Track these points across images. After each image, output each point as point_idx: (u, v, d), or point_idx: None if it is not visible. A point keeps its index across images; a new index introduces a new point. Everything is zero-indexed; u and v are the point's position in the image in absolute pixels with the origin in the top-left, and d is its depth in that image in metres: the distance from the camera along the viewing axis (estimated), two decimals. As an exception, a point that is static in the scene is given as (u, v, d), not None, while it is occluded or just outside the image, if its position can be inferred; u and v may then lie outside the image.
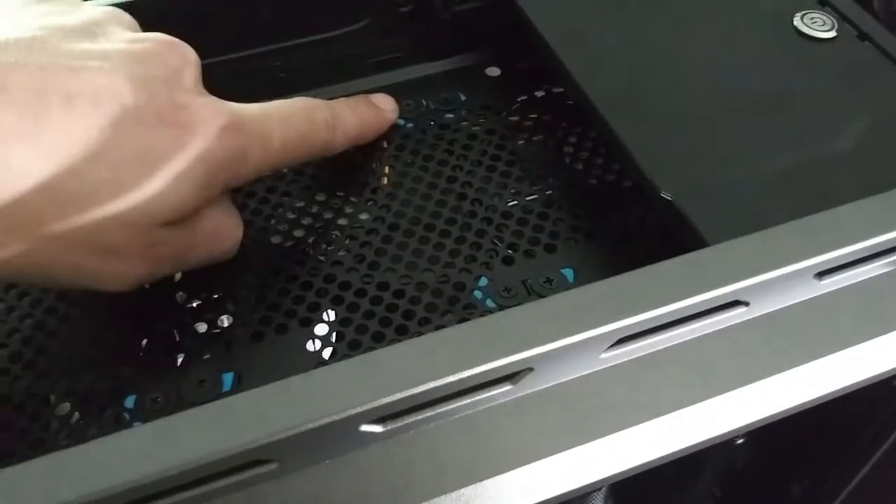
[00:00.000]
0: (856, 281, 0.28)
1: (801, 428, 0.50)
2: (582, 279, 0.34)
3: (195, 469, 0.22)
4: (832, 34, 0.36)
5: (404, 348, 0.24)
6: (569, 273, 0.34)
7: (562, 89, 0.42)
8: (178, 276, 0.35)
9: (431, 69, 0.42)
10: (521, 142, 0.39)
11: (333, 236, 0.36)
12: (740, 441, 0.54)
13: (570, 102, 0.41)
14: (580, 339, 0.24)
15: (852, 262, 0.27)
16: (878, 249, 0.27)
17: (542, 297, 0.33)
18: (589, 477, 0.25)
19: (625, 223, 0.36)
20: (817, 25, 0.37)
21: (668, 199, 0.31)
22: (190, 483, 0.23)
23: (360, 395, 0.23)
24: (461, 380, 0.24)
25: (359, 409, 0.23)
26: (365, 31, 0.42)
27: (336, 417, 0.23)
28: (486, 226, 0.36)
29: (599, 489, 0.60)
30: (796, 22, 0.37)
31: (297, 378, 0.23)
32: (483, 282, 0.34)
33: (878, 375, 0.28)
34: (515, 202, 0.37)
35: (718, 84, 0.35)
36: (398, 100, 0.40)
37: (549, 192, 0.37)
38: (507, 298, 0.33)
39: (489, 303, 0.33)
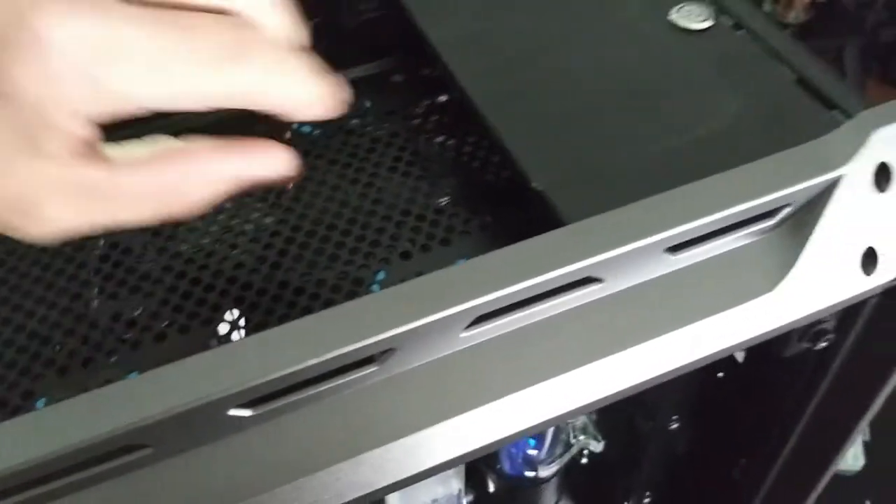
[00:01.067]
0: (710, 255, 0.30)
1: (728, 411, 0.52)
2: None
3: (71, 454, 0.24)
4: (708, 24, 0.38)
5: (270, 335, 0.26)
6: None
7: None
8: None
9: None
10: (422, 143, 0.41)
11: (238, 241, 0.37)
12: (674, 427, 0.55)
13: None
14: (438, 318, 0.26)
15: (704, 236, 0.29)
16: (728, 223, 0.29)
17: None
18: (450, 453, 0.27)
19: (516, 215, 0.38)
20: (693, 17, 0.38)
21: (539, 189, 0.32)
22: (69, 468, 0.25)
23: (224, 379, 0.25)
24: (322, 362, 0.25)
25: (222, 394, 0.25)
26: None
27: (200, 402, 0.24)
28: (385, 223, 0.38)
29: (547, 480, 0.61)
30: (672, 15, 0.38)
31: (169, 367, 0.25)
32: (381, 276, 0.36)
33: (731, 348, 0.29)
34: (415, 200, 0.38)
35: (595, 79, 0.36)
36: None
37: (448, 189, 0.39)
38: (402, 291, 0.35)
39: (385, 296, 0.35)
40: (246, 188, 0.28)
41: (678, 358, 0.29)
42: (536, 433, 0.28)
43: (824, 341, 0.37)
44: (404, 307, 0.26)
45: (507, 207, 0.38)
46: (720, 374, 0.49)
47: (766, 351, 0.38)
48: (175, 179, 0.27)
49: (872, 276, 0.31)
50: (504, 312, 0.27)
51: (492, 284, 0.26)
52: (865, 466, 0.89)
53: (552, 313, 0.28)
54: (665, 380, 0.29)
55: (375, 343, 0.25)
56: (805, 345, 0.37)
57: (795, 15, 1.86)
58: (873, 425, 0.91)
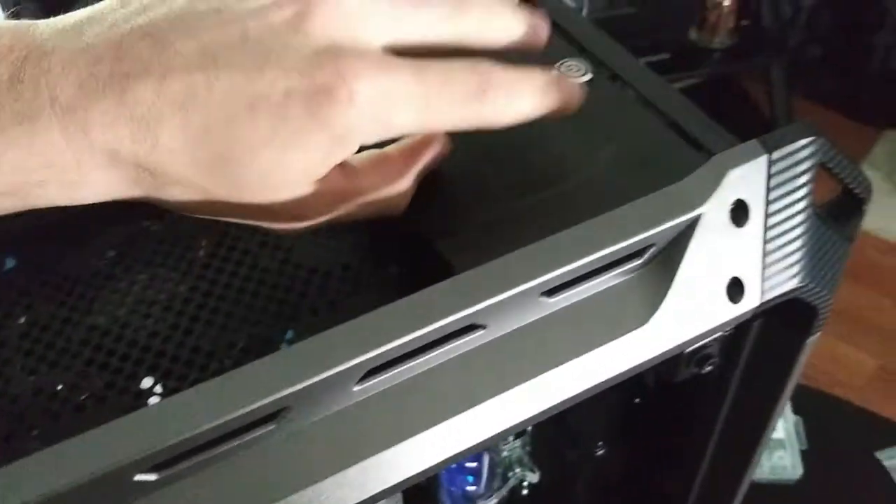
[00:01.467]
0: (585, 296, 0.32)
1: (648, 434, 0.54)
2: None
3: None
4: (587, 77, 0.41)
5: (169, 403, 0.27)
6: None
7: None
8: None
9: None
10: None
11: (152, 310, 0.39)
12: (601, 453, 0.58)
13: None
14: (328, 375, 0.28)
15: (576, 279, 0.31)
16: (598, 266, 0.31)
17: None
18: (351, 499, 0.29)
19: (419, 267, 0.40)
20: (573, 71, 0.41)
21: (437, 248, 0.34)
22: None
23: (129, 446, 0.26)
24: (220, 425, 0.27)
25: (128, 460, 0.26)
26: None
27: (107, 469, 0.26)
28: (294, 281, 0.39)
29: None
30: (553, 73, 0.41)
31: (68, 442, 0.26)
32: (290, 335, 0.37)
33: (608, 381, 0.31)
34: (322, 257, 0.40)
35: (480, 137, 0.39)
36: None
37: (354, 245, 0.41)
38: (310, 347, 0.36)
39: (294, 353, 0.37)
40: None
41: (559, 394, 0.31)
42: (432, 474, 0.29)
43: (709, 365, 0.39)
44: (296, 367, 0.28)
45: (411, 260, 0.40)
46: (637, 400, 0.52)
47: (664, 377, 0.40)
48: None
49: (739, 303, 0.33)
50: (393, 364, 0.29)
51: (379, 339, 0.28)
52: (804, 474, 0.92)
53: (440, 361, 0.30)
54: (548, 416, 0.31)
55: (270, 403, 0.27)
56: (693, 370, 0.39)
57: (721, 40, 1.93)
58: (809, 434, 0.95)
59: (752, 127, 1.47)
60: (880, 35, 1.53)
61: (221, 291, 0.39)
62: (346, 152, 0.32)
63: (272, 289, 0.39)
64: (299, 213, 0.35)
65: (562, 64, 0.42)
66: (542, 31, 0.34)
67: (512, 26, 0.33)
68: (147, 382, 0.36)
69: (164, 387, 0.36)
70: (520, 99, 0.32)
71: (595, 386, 0.31)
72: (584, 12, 1.57)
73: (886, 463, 0.85)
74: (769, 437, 0.46)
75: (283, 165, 0.31)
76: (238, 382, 0.27)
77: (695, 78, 1.64)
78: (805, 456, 0.92)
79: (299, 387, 0.27)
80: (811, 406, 0.91)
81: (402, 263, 0.40)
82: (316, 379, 0.27)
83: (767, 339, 0.39)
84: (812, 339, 0.39)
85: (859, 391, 1.26)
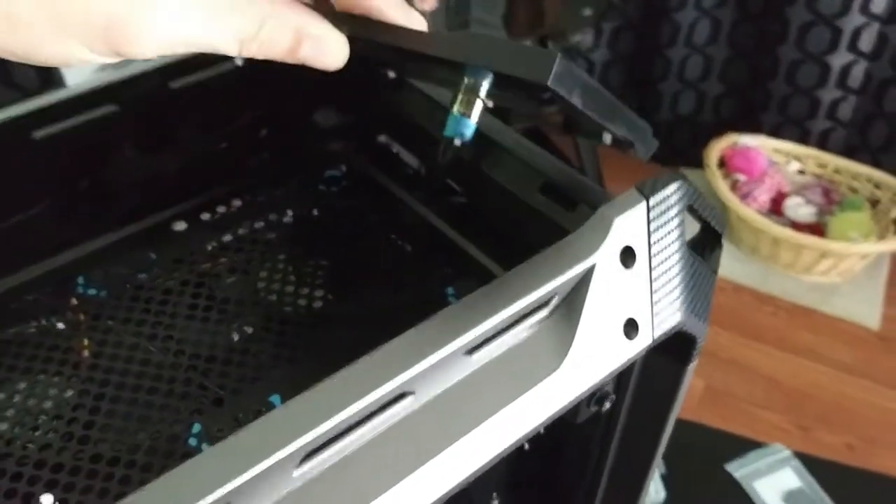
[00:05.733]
0: (501, 350, 0.33)
1: (540, 477, 0.56)
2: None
3: None
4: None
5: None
6: (276, 399, 0.37)
7: (247, 228, 0.45)
8: None
9: (117, 236, 0.44)
10: (215, 286, 0.42)
11: (39, 421, 0.36)
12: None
13: (261, 234, 0.45)
14: (264, 467, 0.27)
15: (494, 334, 0.32)
16: (513, 319, 0.32)
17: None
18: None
19: (318, 342, 0.40)
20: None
21: None
22: None
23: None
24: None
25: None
26: (42, 216, 0.43)
27: None
28: (192, 373, 0.38)
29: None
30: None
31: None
32: (196, 428, 0.36)
33: (534, 428, 0.33)
34: (217, 344, 0.39)
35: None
36: (86, 274, 0.41)
37: (249, 326, 0.40)
38: (222, 439, 0.35)
39: (204, 447, 0.35)
40: None
41: (492, 448, 0.32)
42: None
43: (608, 402, 0.41)
44: (233, 461, 0.27)
45: (310, 335, 0.40)
46: (526, 447, 0.53)
47: (560, 420, 0.42)
48: None
49: (635, 340, 0.36)
50: (330, 444, 0.29)
51: (316, 420, 0.28)
52: (667, 498, 0.98)
53: (374, 433, 0.30)
54: (483, 470, 0.31)
55: (214, 502, 0.26)
56: (593, 409, 0.41)
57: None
58: (667, 460, 1.00)
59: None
60: (665, 84, 1.68)
61: (114, 392, 0.37)
62: None
63: (170, 383, 0.38)
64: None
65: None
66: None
67: None
68: (47, 500, 0.34)
69: (64, 502, 0.33)
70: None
71: (521, 437, 0.33)
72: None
73: (736, 474, 0.92)
74: (658, 461, 0.48)
75: None
76: (176, 484, 0.26)
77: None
78: (665, 480, 0.98)
79: (241, 480, 0.26)
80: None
81: (304, 338, 0.40)
82: (258, 469, 0.27)
83: (652, 370, 0.42)
84: (692, 366, 0.42)
85: (694, 411, 1.34)
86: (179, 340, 0.39)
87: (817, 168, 1.58)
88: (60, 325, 0.40)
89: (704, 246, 0.40)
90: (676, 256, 0.37)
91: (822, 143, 1.60)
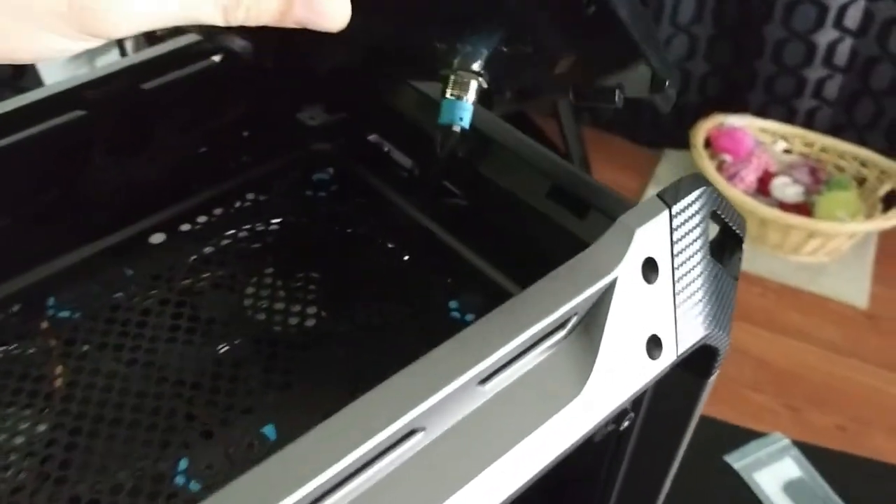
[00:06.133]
0: (517, 377, 0.31)
1: (551, 493, 0.53)
2: (283, 433, 0.34)
3: None
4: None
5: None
6: (270, 431, 0.34)
7: (231, 238, 0.42)
8: None
9: (90, 251, 0.41)
10: (198, 304, 0.39)
11: (10, 459, 0.33)
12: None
13: (245, 246, 0.42)
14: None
15: (509, 361, 0.30)
16: (528, 344, 0.30)
17: (245, 467, 0.32)
18: None
19: (312, 365, 0.37)
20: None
21: None
22: None
23: None
24: None
25: None
26: (7, 230, 0.39)
27: None
28: (176, 402, 0.35)
29: None
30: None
31: None
32: (184, 464, 0.33)
33: (555, 459, 0.30)
34: (204, 369, 0.36)
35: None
36: (57, 294, 0.38)
37: (237, 349, 0.37)
38: (212, 476, 0.32)
39: (193, 486, 0.32)
40: None
41: (511, 483, 0.29)
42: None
43: (626, 420, 0.39)
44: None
45: (302, 357, 0.37)
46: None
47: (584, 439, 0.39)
48: None
49: (658, 359, 0.33)
50: (340, 486, 0.26)
51: (326, 462, 0.25)
52: (666, 491, 0.95)
53: (382, 475, 0.28)
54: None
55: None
56: (610, 427, 0.39)
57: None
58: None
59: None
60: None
61: (91, 426, 0.34)
62: None
63: (153, 415, 0.35)
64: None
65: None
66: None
67: None
68: (21, 552, 0.31)
69: (41, 553, 0.30)
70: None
71: (544, 467, 0.30)
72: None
73: (736, 465, 0.90)
74: (672, 476, 0.46)
75: None
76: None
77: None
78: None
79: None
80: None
81: (297, 361, 0.37)
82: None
83: (670, 383, 0.39)
84: (712, 379, 0.40)
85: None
86: (161, 367, 0.36)
87: (804, 147, 1.57)
88: (31, 351, 0.37)
89: (724, 250, 0.38)
90: (700, 267, 0.34)
91: (809, 123, 1.58)
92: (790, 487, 0.89)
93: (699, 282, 0.34)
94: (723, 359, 0.39)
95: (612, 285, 0.31)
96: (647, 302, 0.33)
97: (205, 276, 0.40)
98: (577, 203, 0.37)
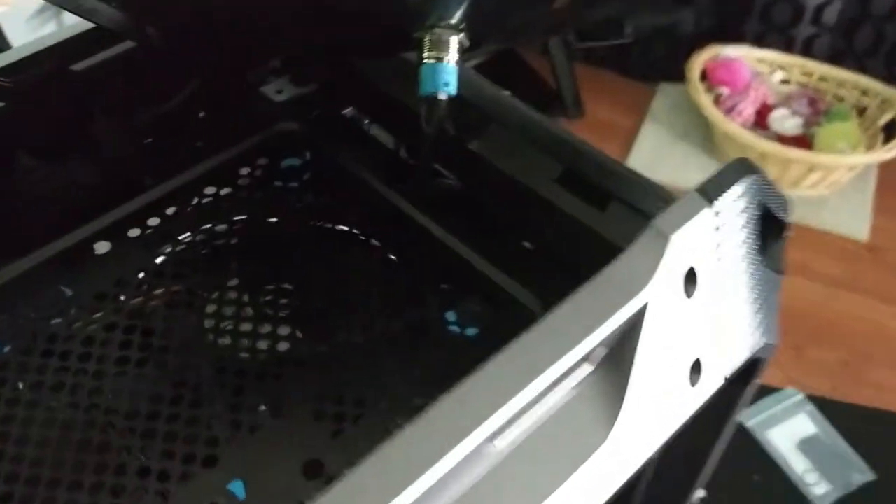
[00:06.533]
0: (534, 428, 0.25)
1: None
2: (254, 490, 0.28)
3: None
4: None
5: None
6: (238, 488, 0.29)
7: (187, 244, 0.36)
8: None
9: (20, 268, 0.34)
10: (150, 327, 0.33)
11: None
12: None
13: (205, 252, 0.36)
14: None
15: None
16: (543, 388, 0.24)
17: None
18: None
19: (289, 400, 0.31)
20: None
21: None
22: None
23: None
24: None
25: None
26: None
27: None
28: (125, 456, 0.29)
29: None
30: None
31: None
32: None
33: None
34: (158, 409, 0.31)
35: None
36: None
37: (197, 383, 0.31)
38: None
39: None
40: None
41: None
42: None
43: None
44: None
45: (275, 390, 0.31)
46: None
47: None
48: None
49: (700, 385, 0.28)
50: None
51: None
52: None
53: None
54: None
55: None
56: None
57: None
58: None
59: (542, 97, 1.46)
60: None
61: (24, 489, 0.29)
62: None
63: (98, 472, 0.29)
64: None
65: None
66: None
67: None
68: None
69: None
70: None
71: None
72: None
73: (749, 423, 0.86)
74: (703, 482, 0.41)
75: None
76: None
77: (478, 57, 1.61)
78: None
79: None
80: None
81: (262, 403, 0.31)
82: None
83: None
84: (753, 384, 0.35)
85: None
86: (108, 409, 0.31)
87: (802, 77, 1.50)
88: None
89: (766, 238, 0.32)
90: (748, 274, 0.28)
91: (807, 51, 1.51)
92: (805, 444, 0.85)
93: (746, 291, 0.29)
94: (766, 365, 0.33)
95: (643, 307, 0.25)
96: (686, 320, 0.27)
97: (157, 292, 0.34)
98: (594, 191, 0.31)
